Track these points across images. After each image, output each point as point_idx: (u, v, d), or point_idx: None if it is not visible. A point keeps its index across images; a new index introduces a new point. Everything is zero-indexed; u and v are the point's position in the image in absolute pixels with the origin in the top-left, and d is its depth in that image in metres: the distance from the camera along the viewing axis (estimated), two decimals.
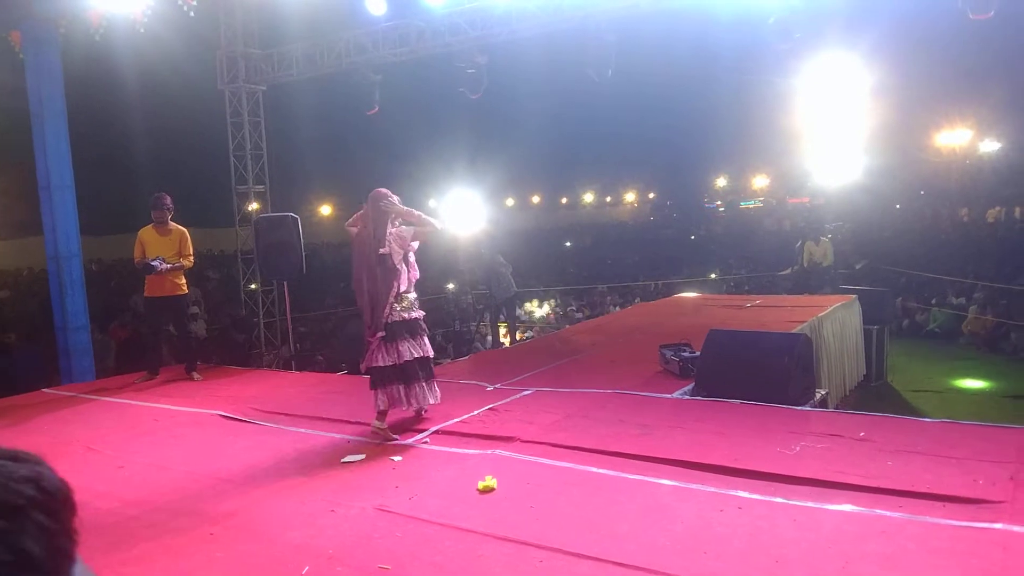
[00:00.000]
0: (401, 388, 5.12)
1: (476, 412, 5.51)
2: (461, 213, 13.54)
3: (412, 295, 5.27)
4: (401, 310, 5.14)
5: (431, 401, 5.30)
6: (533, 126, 39.12)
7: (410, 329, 5.20)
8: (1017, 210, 27.31)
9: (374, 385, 5.13)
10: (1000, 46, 23.39)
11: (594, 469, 4.20)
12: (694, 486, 3.88)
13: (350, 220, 5.43)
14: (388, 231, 5.15)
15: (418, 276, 5.40)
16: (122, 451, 5.12)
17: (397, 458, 4.59)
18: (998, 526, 3.20)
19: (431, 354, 5.37)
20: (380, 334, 5.08)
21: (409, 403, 5.19)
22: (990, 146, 35.43)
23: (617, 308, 17.18)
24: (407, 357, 5.11)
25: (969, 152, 36.20)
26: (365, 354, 5.18)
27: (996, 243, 21.29)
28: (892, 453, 4.18)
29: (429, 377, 5.29)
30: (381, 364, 5.08)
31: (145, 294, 7.68)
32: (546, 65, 21.34)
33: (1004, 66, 27.44)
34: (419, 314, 5.31)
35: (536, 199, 60.57)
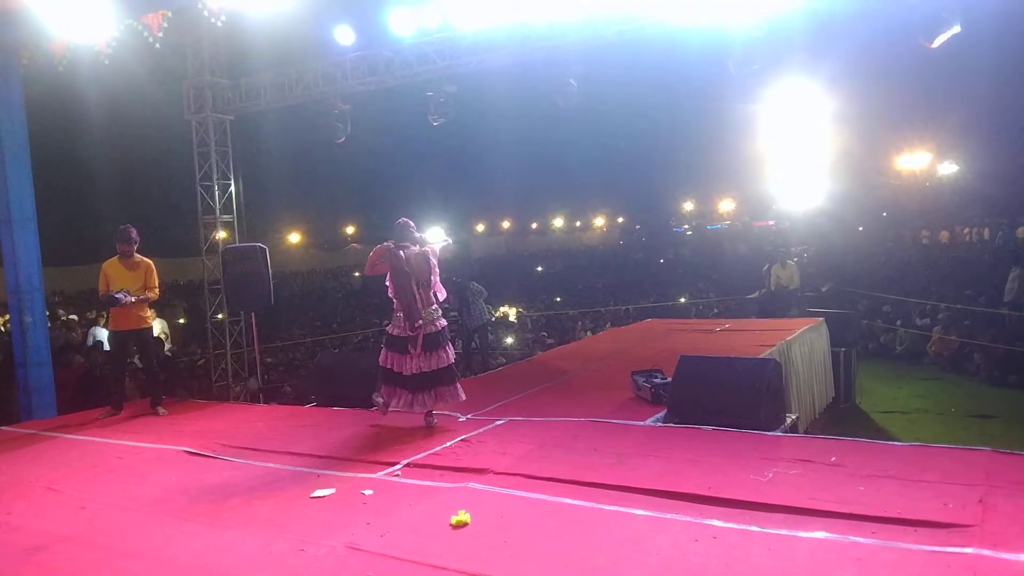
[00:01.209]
0: (407, 394, 5.88)
1: (448, 443, 5.46)
2: (432, 239, 13.52)
3: (435, 307, 6.02)
4: (428, 321, 5.89)
5: (450, 401, 6.03)
6: (503, 152, 39.44)
7: (434, 341, 5.92)
8: (986, 231, 27.92)
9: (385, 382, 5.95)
10: (956, 72, 24.12)
11: (569, 500, 4.16)
12: (669, 516, 3.87)
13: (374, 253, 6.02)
14: (414, 251, 5.93)
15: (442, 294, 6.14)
16: (84, 491, 4.97)
17: (368, 492, 4.52)
18: (968, 551, 3.22)
19: (449, 362, 5.99)
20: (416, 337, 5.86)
21: (412, 407, 5.94)
22: (948, 168, 36.34)
23: (589, 333, 17.21)
24: (426, 367, 5.86)
25: (929, 175, 37.08)
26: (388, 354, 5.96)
27: (958, 264, 21.74)
28: (864, 478, 4.20)
29: (444, 384, 5.94)
30: (408, 370, 5.85)
31: (110, 327, 7.55)
32: (515, 92, 21.51)
33: (960, 91, 28.28)
34: (442, 324, 6.05)
35: (506, 224, 60.83)
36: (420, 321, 5.86)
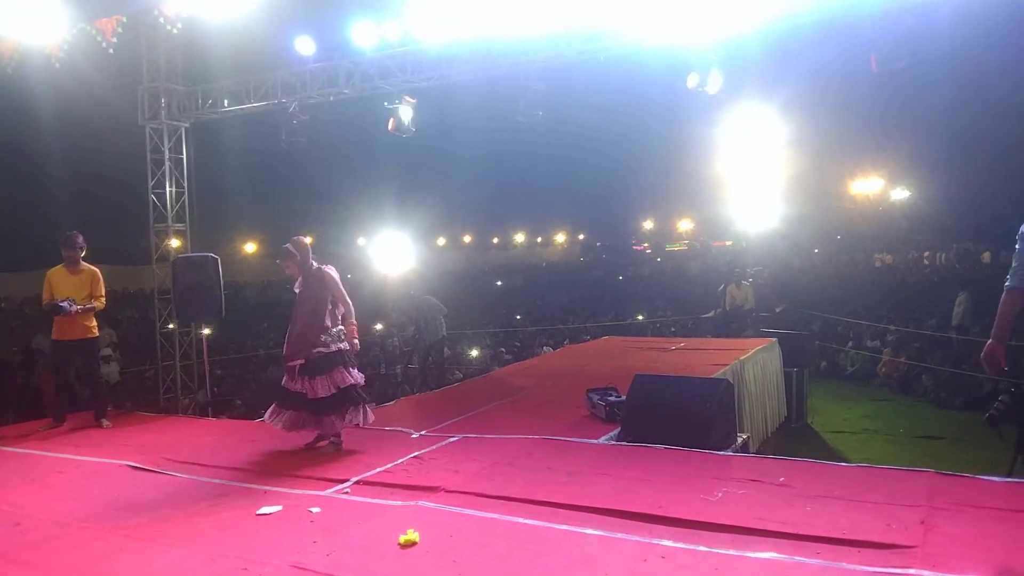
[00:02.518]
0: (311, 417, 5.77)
1: (400, 460, 5.39)
2: (390, 253, 13.46)
3: (338, 328, 5.94)
4: (330, 341, 5.81)
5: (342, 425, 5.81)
6: (465, 166, 39.57)
7: (330, 362, 5.77)
8: (941, 256, 28.65)
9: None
10: (909, 100, 24.93)
11: (520, 519, 4.13)
12: (619, 535, 3.86)
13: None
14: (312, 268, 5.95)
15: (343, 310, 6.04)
16: (20, 506, 4.80)
17: (315, 510, 4.43)
18: (911, 572, 3.27)
19: (352, 382, 5.85)
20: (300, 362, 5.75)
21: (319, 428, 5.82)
22: (900, 194, 37.37)
23: (548, 349, 17.21)
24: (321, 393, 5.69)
25: (882, 199, 38.08)
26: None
27: (908, 287, 22.25)
28: (811, 498, 4.25)
29: (340, 408, 5.75)
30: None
31: (53, 336, 7.31)
32: (478, 108, 21.58)
33: (913, 119, 29.21)
34: (342, 346, 5.90)
35: (468, 238, 60.86)
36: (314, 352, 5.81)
